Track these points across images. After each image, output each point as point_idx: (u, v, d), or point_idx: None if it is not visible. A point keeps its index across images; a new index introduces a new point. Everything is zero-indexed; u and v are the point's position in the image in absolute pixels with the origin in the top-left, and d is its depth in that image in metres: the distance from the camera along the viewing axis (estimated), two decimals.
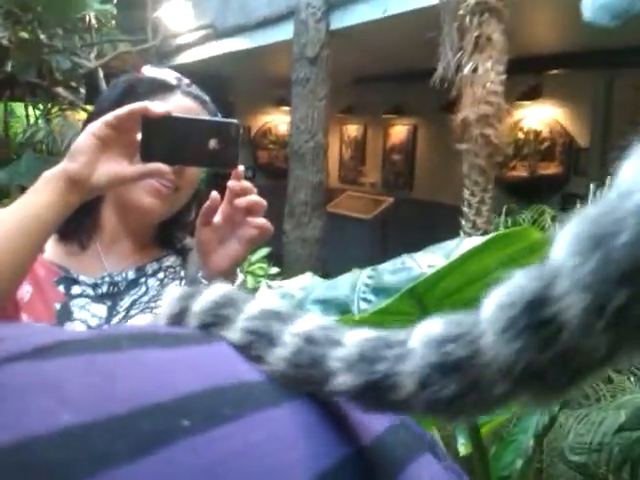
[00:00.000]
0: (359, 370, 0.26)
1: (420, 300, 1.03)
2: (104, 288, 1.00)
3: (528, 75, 5.53)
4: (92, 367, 0.24)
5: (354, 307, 0.83)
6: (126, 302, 1.00)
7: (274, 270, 5.25)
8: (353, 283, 0.88)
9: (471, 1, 2.18)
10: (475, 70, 2.18)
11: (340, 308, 0.86)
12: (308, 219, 4.78)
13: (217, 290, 0.32)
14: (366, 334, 0.27)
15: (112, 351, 0.25)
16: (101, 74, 5.34)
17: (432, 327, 0.25)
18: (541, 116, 6.02)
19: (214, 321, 0.30)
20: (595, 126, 5.65)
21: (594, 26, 0.86)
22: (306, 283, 2.20)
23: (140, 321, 0.98)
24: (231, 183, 0.88)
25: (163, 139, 0.81)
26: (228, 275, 0.93)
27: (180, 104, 0.99)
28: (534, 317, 0.22)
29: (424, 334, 0.25)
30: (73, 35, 5.00)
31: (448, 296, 1.09)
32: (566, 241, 0.23)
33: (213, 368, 0.27)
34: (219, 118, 1.01)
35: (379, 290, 0.84)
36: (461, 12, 2.23)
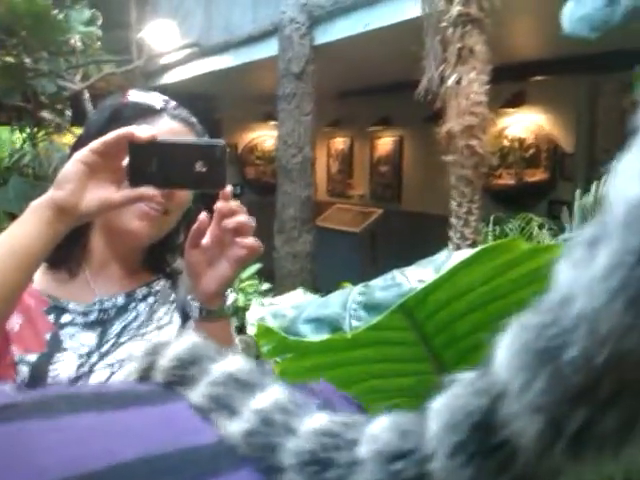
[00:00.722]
0: (309, 474, 0.25)
1: (411, 315, 1.03)
2: (94, 315, 0.99)
3: (511, 82, 5.58)
4: (19, 436, 0.23)
5: (345, 324, 0.83)
6: (116, 328, 1.00)
7: (265, 286, 5.24)
8: (344, 300, 0.88)
9: (453, 13, 2.20)
10: (459, 82, 2.20)
11: (332, 326, 0.85)
12: (298, 234, 4.78)
13: (183, 344, 0.31)
14: (321, 424, 0.26)
15: (44, 418, 0.24)
16: (87, 96, 5.34)
17: (381, 434, 0.25)
18: (525, 123, 6.07)
19: (178, 380, 0.29)
20: (580, 131, 5.70)
21: (574, 37, 0.87)
22: (298, 300, 2.19)
23: (131, 348, 0.97)
24: (219, 204, 0.88)
25: (150, 163, 0.81)
26: (218, 296, 0.93)
27: (167, 127, 1.00)
28: (484, 442, 0.21)
29: (373, 442, 0.24)
30: (58, 58, 5.00)
31: (438, 309, 1.09)
32: (509, 353, 0.21)
33: (155, 434, 0.25)
34: (205, 140, 1.01)
35: (370, 307, 0.84)
36: (443, 24, 2.25)
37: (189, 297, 0.96)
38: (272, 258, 4.99)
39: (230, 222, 0.87)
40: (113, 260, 1.04)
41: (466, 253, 0.85)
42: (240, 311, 5.02)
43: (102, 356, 0.96)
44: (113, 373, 0.96)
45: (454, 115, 2.20)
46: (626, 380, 0.18)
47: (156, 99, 1.04)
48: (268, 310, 2.07)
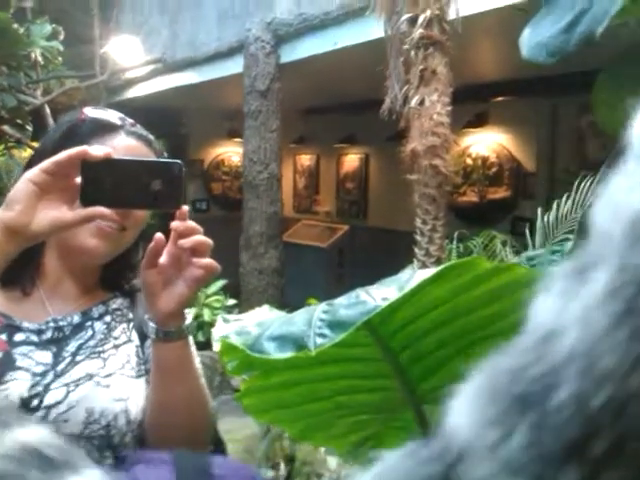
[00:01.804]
0: None
1: (376, 331, 1.04)
2: (48, 334, 0.97)
3: (474, 103, 5.69)
4: None
5: (310, 342, 0.84)
6: (72, 347, 0.98)
7: (231, 302, 5.21)
8: (309, 318, 0.88)
9: (415, 35, 2.25)
10: (422, 103, 2.24)
11: (296, 343, 0.86)
12: (264, 250, 4.78)
13: None
14: None
15: None
16: (48, 111, 5.27)
17: None
18: (488, 142, 6.20)
19: None
20: (540, 151, 5.84)
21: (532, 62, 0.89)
22: (263, 317, 2.18)
23: (88, 366, 0.96)
24: (175, 224, 0.87)
25: (103, 182, 0.80)
26: (176, 317, 0.92)
27: (123, 144, 0.99)
28: None
29: None
30: (18, 72, 4.93)
31: (403, 326, 1.10)
32: (473, 405, 0.18)
33: None
34: (161, 159, 1.00)
35: (335, 324, 0.85)
36: (406, 46, 2.30)
37: (146, 316, 0.95)
38: (238, 274, 4.97)
39: (187, 242, 0.87)
40: (68, 278, 1.02)
41: (429, 272, 0.86)
42: (206, 326, 4.98)
43: (57, 375, 0.94)
44: (69, 392, 0.94)
45: (417, 135, 2.23)
46: (629, 431, 0.15)
47: (113, 116, 1.03)
48: (233, 326, 2.06)
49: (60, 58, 5.41)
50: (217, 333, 2.17)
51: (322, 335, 0.83)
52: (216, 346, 1.96)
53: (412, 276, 0.87)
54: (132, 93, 7.00)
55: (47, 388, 0.92)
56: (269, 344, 0.88)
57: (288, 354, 0.84)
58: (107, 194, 0.80)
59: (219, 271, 0.89)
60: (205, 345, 4.98)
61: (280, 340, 0.87)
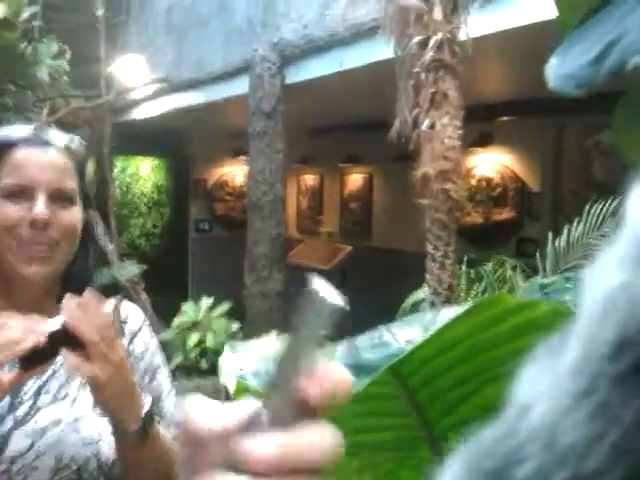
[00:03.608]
0: None
1: (395, 370, 1.00)
2: None
3: (479, 123, 5.68)
4: None
5: None
6: (30, 388, 0.92)
7: (235, 326, 5.15)
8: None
9: (426, 58, 2.23)
10: (432, 126, 2.22)
11: None
12: (268, 272, 4.74)
13: None
14: None
15: None
16: None
17: None
18: (492, 163, 6.18)
19: None
20: (545, 171, 5.81)
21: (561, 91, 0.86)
22: (272, 345, 2.14)
23: (54, 412, 0.90)
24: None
25: None
26: (126, 413, 0.83)
27: (22, 157, 0.94)
28: None
29: None
30: (25, 91, 4.95)
31: (422, 364, 1.06)
32: (453, 477, 0.18)
33: None
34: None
35: (358, 368, 0.81)
36: (416, 69, 2.28)
37: None
38: (242, 296, 4.93)
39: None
40: (19, 312, 0.97)
41: (454, 311, 0.82)
42: (209, 352, 4.93)
43: (18, 422, 0.88)
44: (35, 442, 0.87)
45: (428, 159, 2.21)
46: None
47: (14, 131, 0.98)
48: (241, 356, 2.02)
49: (66, 77, 5.42)
50: (225, 362, 2.12)
51: None
52: (226, 379, 1.91)
53: (436, 316, 0.83)
54: (137, 113, 7.01)
55: (8, 436, 0.87)
56: None
57: None
58: None
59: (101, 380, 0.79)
60: (209, 371, 4.93)
61: None
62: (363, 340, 0.85)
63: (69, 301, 0.78)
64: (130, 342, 1.04)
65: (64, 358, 0.76)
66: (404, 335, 0.80)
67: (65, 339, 0.75)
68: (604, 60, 0.82)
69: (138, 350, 1.04)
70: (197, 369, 4.73)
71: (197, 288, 7.82)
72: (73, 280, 0.99)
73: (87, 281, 1.00)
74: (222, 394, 4.88)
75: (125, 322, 1.05)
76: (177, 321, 5.13)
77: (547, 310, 0.90)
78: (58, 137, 1.00)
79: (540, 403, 0.17)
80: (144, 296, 5.56)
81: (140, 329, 1.07)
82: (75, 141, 1.02)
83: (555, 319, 0.93)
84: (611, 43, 0.83)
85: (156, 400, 0.99)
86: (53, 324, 0.77)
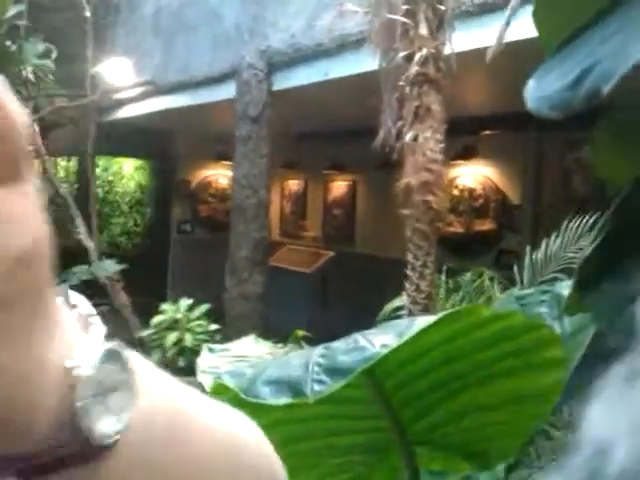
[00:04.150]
0: None
1: (370, 374, 1.03)
2: None
3: (462, 135, 5.75)
4: None
5: (307, 388, 0.83)
6: None
7: (213, 327, 5.16)
8: (305, 362, 0.87)
9: (411, 72, 2.27)
10: (416, 139, 2.26)
11: (293, 389, 0.85)
12: (249, 275, 4.76)
13: None
14: None
15: None
16: (37, 129, 5.25)
17: None
18: (475, 174, 6.26)
19: None
20: (526, 185, 5.90)
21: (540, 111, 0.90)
22: (249, 347, 2.15)
23: None
24: None
25: None
26: None
27: None
28: None
29: None
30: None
31: (397, 369, 1.09)
32: None
33: None
34: None
35: (332, 370, 0.84)
36: (401, 83, 2.32)
37: None
38: (222, 298, 4.94)
39: None
40: None
41: (429, 319, 0.86)
42: (187, 351, 4.93)
43: None
44: None
45: (411, 170, 2.25)
46: None
47: None
48: (219, 357, 2.03)
49: (51, 76, 5.40)
50: (203, 363, 2.14)
51: (319, 381, 0.82)
52: (202, 377, 1.93)
53: (412, 323, 0.86)
54: (122, 113, 7.00)
55: None
56: (264, 388, 0.87)
57: (284, 400, 0.83)
58: None
59: None
60: (186, 370, 4.93)
61: (276, 385, 0.86)
62: (339, 344, 0.88)
63: None
64: None
65: None
66: (380, 340, 0.83)
67: None
68: (579, 86, 0.86)
69: None
70: (174, 367, 4.73)
71: (177, 289, 7.80)
72: None
73: None
74: (197, 390, 4.87)
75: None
76: (156, 320, 5.13)
77: (520, 321, 0.94)
78: None
79: (622, 442, 0.15)
80: (123, 294, 5.55)
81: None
82: None
83: (527, 330, 0.96)
84: (587, 70, 0.88)
85: None
86: None
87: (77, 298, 0.35)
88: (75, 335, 0.28)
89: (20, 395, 0.24)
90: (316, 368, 0.84)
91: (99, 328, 0.30)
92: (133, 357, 0.31)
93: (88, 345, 0.28)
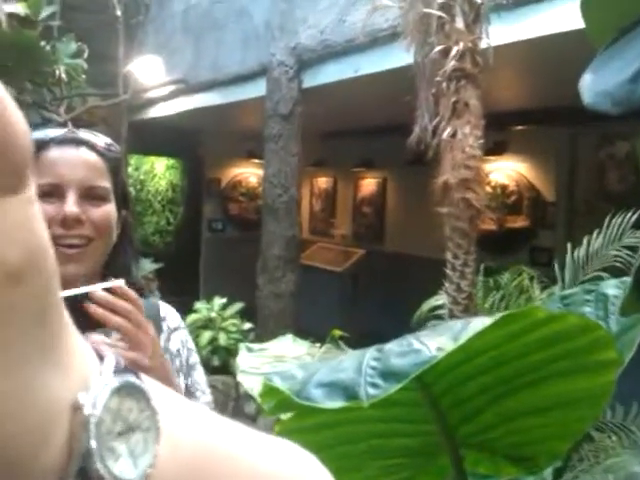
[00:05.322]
0: None
1: (419, 377, 1.01)
2: None
3: (494, 131, 5.68)
4: None
5: (362, 392, 0.81)
6: None
7: (247, 326, 5.18)
8: (358, 365, 0.86)
9: (448, 67, 2.24)
10: (454, 135, 2.23)
11: (347, 392, 0.83)
12: (282, 273, 4.76)
13: None
14: None
15: None
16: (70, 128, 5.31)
17: None
18: (507, 171, 6.17)
19: None
20: (559, 181, 5.80)
21: (595, 109, 0.87)
22: (288, 347, 2.14)
23: None
24: None
25: None
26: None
27: (52, 157, 0.96)
28: None
29: None
30: (42, 89, 4.99)
31: (447, 372, 1.07)
32: None
33: None
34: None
35: (387, 374, 0.82)
36: (438, 78, 2.29)
37: None
38: (255, 297, 4.95)
39: None
40: None
41: (485, 321, 0.83)
42: (221, 350, 4.96)
43: None
44: None
45: (449, 168, 2.21)
46: None
47: (46, 133, 1.00)
48: (257, 356, 2.03)
49: (84, 76, 5.46)
50: (243, 363, 2.13)
51: (374, 385, 0.81)
52: (243, 378, 1.92)
53: (466, 325, 0.84)
54: (153, 112, 7.05)
55: None
56: (316, 391, 0.85)
57: (338, 404, 0.81)
58: None
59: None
60: (220, 369, 4.96)
61: (329, 388, 0.85)
62: (391, 346, 0.86)
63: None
64: (167, 339, 1.06)
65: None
66: (435, 343, 0.81)
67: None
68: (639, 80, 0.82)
69: (174, 347, 1.07)
70: (208, 366, 4.76)
71: (208, 287, 7.85)
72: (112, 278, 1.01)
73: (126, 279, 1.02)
74: (232, 389, 4.92)
75: (164, 319, 1.08)
76: (190, 319, 5.17)
77: (576, 323, 0.91)
78: (91, 137, 1.02)
79: None
80: (157, 293, 5.60)
81: (177, 328, 1.09)
82: (109, 142, 1.04)
83: (583, 332, 0.93)
84: None
85: (190, 398, 1.01)
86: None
87: None
88: (90, 365, 0.25)
89: (10, 433, 0.21)
90: (370, 371, 0.83)
91: (115, 359, 0.26)
92: (156, 391, 0.27)
93: (105, 377, 0.25)
